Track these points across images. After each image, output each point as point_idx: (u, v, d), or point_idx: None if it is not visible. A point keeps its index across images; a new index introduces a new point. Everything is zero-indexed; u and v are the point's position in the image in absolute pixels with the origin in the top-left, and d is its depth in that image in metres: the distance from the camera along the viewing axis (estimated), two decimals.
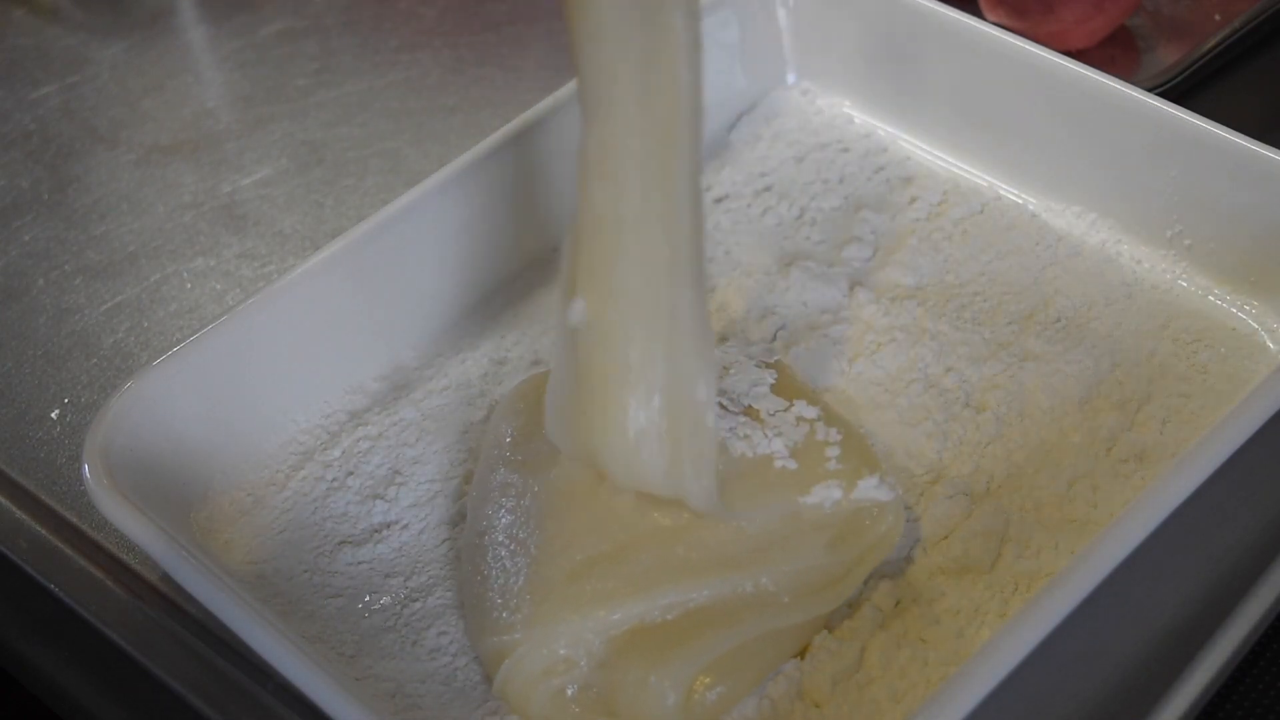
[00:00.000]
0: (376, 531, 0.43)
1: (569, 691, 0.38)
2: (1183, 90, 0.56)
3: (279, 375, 0.45)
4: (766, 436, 0.41)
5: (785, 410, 0.42)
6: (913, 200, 0.52)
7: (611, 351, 0.37)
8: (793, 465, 0.41)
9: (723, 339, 0.48)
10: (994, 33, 0.51)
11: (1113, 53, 0.58)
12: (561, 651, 0.38)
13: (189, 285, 0.53)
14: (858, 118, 0.55)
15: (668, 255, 0.36)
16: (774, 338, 0.48)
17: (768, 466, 0.41)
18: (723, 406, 0.42)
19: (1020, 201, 0.52)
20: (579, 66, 0.35)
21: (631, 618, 0.38)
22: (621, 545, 0.39)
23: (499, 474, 0.42)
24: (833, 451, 0.41)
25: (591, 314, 0.37)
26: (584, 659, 0.38)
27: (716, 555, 0.39)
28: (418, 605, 0.42)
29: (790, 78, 0.57)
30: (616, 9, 0.34)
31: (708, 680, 0.38)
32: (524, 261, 0.50)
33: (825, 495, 0.40)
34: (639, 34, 0.34)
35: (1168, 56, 0.58)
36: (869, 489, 0.40)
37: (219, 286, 0.52)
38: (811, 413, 0.42)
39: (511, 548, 0.40)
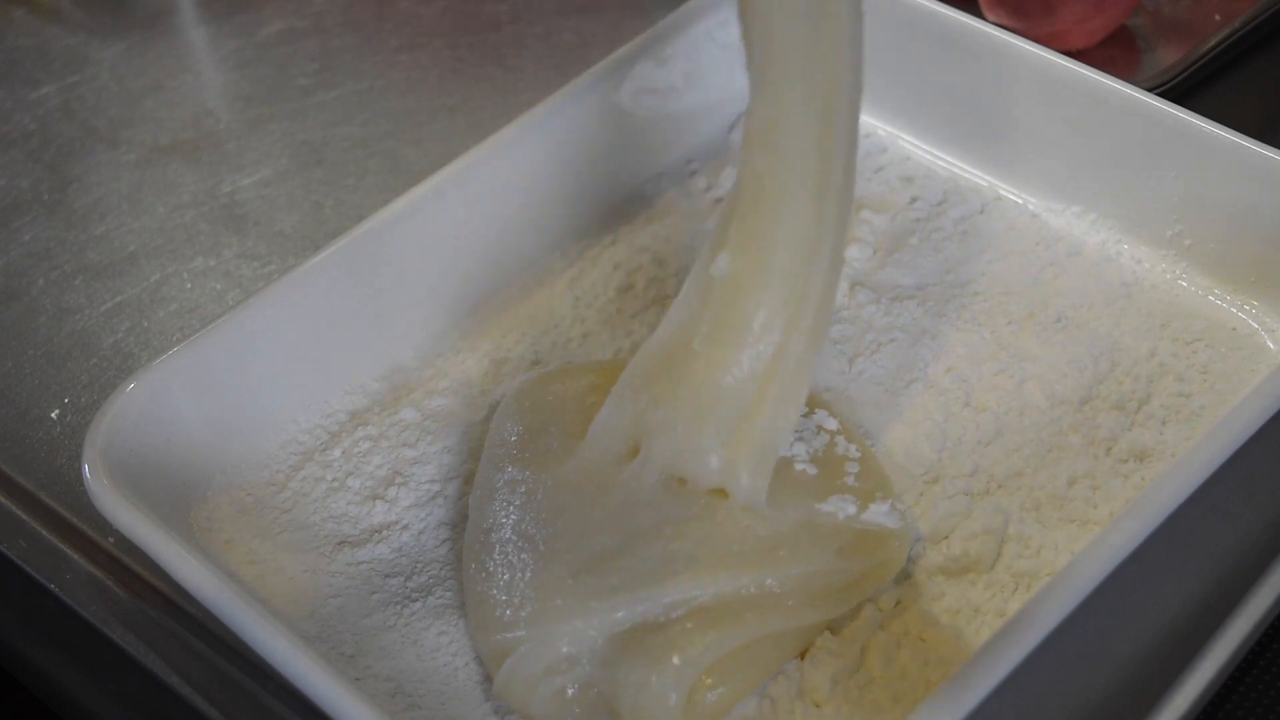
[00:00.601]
0: (376, 532, 0.43)
1: (570, 691, 0.38)
2: (1183, 90, 0.56)
3: (279, 375, 0.45)
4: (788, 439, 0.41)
5: (806, 416, 0.42)
6: (913, 200, 0.52)
7: (739, 309, 0.38)
8: (812, 471, 0.41)
9: None
10: (994, 33, 0.51)
11: (1113, 53, 0.58)
12: (564, 650, 0.38)
13: (189, 285, 0.53)
14: None
15: (813, 228, 0.37)
16: None
17: (788, 468, 0.41)
18: None
19: (1020, 201, 0.52)
20: (748, 38, 0.36)
21: (635, 616, 0.38)
22: (628, 538, 0.39)
23: (506, 472, 0.42)
24: (852, 468, 0.41)
25: (731, 270, 0.38)
26: (586, 657, 0.38)
27: (724, 552, 0.39)
28: (418, 605, 0.42)
29: None
30: None
31: (709, 681, 0.38)
32: (524, 261, 0.50)
33: (840, 506, 0.40)
34: (806, 7, 0.35)
35: (1168, 56, 0.58)
36: (880, 513, 0.40)
37: (219, 286, 0.52)
38: (833, 424, 0.43)
39: (519, 544, 0.40)
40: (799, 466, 0.41)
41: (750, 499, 0.39)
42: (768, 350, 0.38)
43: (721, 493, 0.40)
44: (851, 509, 0.40)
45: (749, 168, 0.37)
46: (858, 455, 0.42)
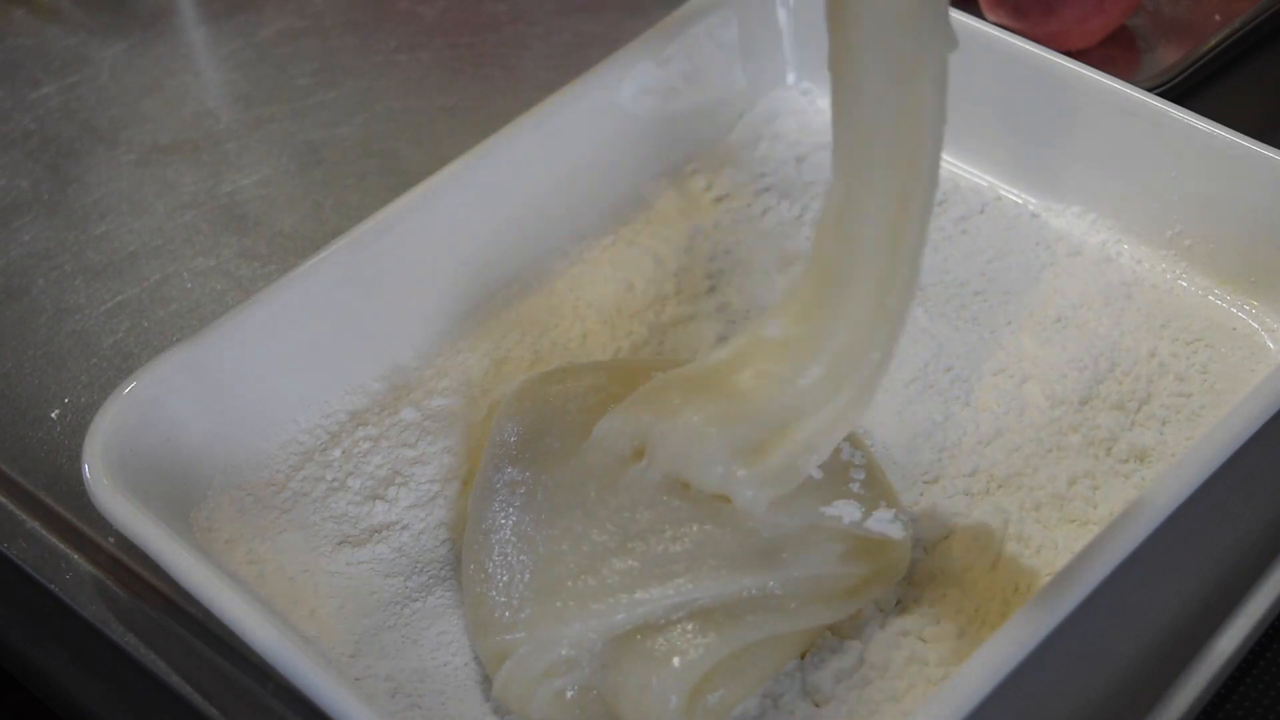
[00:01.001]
0: (376, 532, 0.43)
1: (569, 694, 0.38)
2: (1183, 90, 0.56)
3: (279, 375, 0.45)
4: None
5: None
6: None
7: (784, 366, 0.38)
8: (818, 474, 0.41)
9: (722, 339, 0.48)
10: (994, 33, 0.51)
11: (1113, 53, 0.58)
12: (564, 652, 0.38)
13: (189, 285, 0.53)
14: None
15: (871, 318, 0.37)
16: None
17: None
18: None
19: (1020, 201, 0.52)
20: (838, 124, 0.36)
21: (635, 618, 0.38)
22: (628, 538, 0.39)
23: (506, 472, 0.42)
24: (858, 474, 0.41)
25: (784, 336, 0.38)
26: (586, 660, 0.38)
27: (726, 554, 0.39)
28: (418, 605, 0.42)
29: (790, 78, 0.56)
30: (875, 73, 0.35)
31: (710, 683, 0.38)
32: (524, 261, 0.50)
33: (845, 511, 0.40)
34: (893, 98, 0.35)
35: (1168, 56, 0.58)
36: (883, 522, 0.40)
37: (219, 286, 0.52)
38: None
39: (518, 545, 0.40)
40: None
41: (751, 509, 0.39)
42: (801, 405, 0.38)
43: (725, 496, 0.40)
44: (856, 514, 0.40)
45: (819, 249, 0.38)
46: (863, 463, 0.42)
